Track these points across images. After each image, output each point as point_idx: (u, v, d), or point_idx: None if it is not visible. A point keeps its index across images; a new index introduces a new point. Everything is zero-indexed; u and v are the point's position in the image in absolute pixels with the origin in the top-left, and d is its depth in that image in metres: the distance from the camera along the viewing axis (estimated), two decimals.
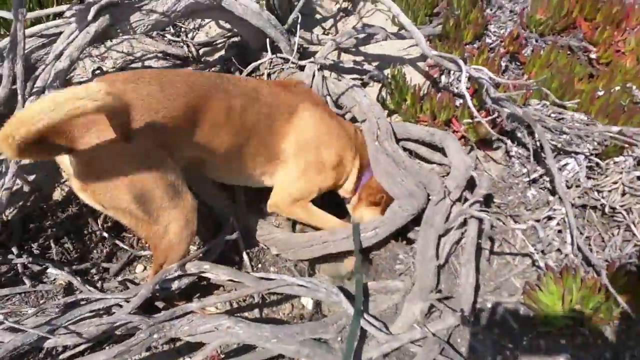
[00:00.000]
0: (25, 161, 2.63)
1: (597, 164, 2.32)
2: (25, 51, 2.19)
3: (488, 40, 2.82)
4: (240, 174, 2.47)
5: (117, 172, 1.83)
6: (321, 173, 2.52)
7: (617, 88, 2.52)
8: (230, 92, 2.23)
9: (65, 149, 1.75)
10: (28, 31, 2.21)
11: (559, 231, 2.24)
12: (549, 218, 2.24)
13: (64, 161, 1.87)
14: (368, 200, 2.62)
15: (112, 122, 1.68)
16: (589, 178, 2.31)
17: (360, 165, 2.63)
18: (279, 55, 2.72)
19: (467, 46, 2.77)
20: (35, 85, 2.31)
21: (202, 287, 2.45)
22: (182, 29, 3.17)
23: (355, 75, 2.77)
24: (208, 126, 2.12)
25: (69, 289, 2.42)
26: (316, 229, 2.63)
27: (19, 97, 2.17)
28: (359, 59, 3.01)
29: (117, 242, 2.62)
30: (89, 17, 2.26)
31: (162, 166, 1.93)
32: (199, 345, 2.05)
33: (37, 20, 2.57)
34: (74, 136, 1.75)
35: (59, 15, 2.41)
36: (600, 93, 2.50)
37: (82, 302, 2.13)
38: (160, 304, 2.33)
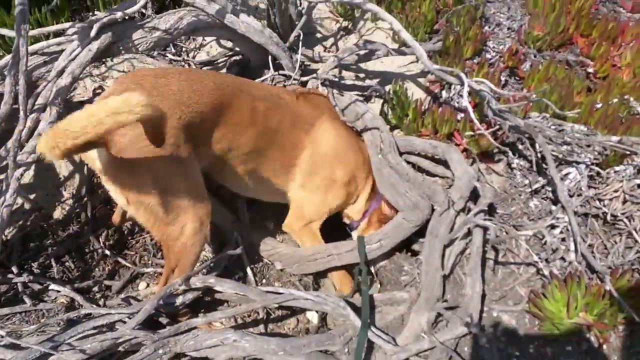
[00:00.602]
0: (26, 180, 2.63)
1: (598, 173, 2.35)
2: (27, 68, 2.21)
3: (487, 56, 2.88)
4: (257, 180, 2.45)
5: (146, 165, 1.86)
6: (332, 190, 2.54)
7: (615, 100, 2.57)
8: (255, 95, 2.28)
9: (100, 144, 1.75)
10: (29, 49, 2.23)
11: (563, 239, 2.25)
12: (552, 227, 2.26)
13: (90, 154, 1.86)
14: (378, 224, 2.62)
15: (147, 130, 1.70)
16: (590, 187, 2.34)
17: (372, 187, 2.65)
18: (280, 72, 2.75)
19: (467, 62, 2.83)
20: (36, 103, 2.31)
21: (207, 303, 2.43)
22: (183, 49, 3.22)
23: (356, 92, 2.80)
24: (233, 124, 2.16)
25: (70, 308, 2.38)
26: None
27: (21, 114, 2.16)
28: (360, 75, 3.05)
29: (120, 259, 2.60)
30: (92, 35, 2.29)
31: (189, 164, 1.97)
32: None
33: (37, 40, 2.58)
34: (109, 139, 1.78)
35: (61, 33, 2.44)
36: (599, 105, 2.55)
37: (85, 320, 2.10)
38: (164, 320, 2.31)
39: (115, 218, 2.49)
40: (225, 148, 2.19)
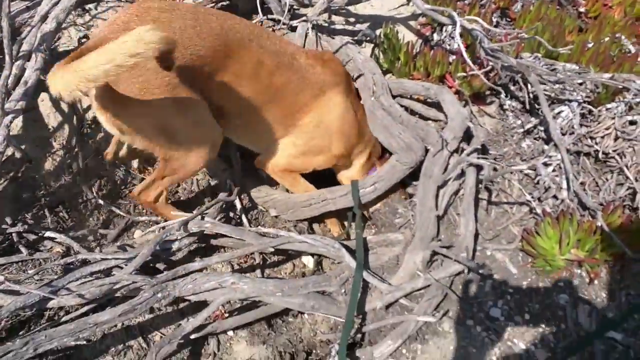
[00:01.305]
0: (14, 131, 2.59)
1: (590, 111, 2.36)
2: (10, 12, 2.14)
3: None
4: (251, 132, 2.41)
5: (142, 102, 1.81)
6: (322, 155, 2.50)
7: (607, 39, 2.56)
8: (266, 48, 2.16)
9: None
10: None
11: (555, 177, 2.27)
12: (545, 165, 2.28)
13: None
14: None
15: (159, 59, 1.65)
16: (582, 125, 2.35)
17: (369, 156, 2.63)
18: (269, 16, 2.69)
19: (458, 2, 2.78)
20: (21, 50, 2.26)
21: (203, 250, 2.45)
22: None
23: (347, 36, 2.75)
24: (232, 74, 2.06)
25: (66, 257, 2.38)
26: None
27: (7, 59, 2.12)
28: (350, 19, 2.99)
29: (114, 208, 2.59)
30: None
31: (187, 102, 1.92)
32: (202, 306, 2.05)
33: None
34: None
35: None
36: (590, 44, 2.54)
37: (82, 266, 2.11)
38: (161, 266, 2.33)
39: (109, 154, 2.45)
40: (225, 96, 2.11)
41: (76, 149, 2.64)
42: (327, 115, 2.40)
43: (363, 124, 2.54)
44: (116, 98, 1.79)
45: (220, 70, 2.02)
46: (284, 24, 2.67)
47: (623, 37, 2.60)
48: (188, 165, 2.08)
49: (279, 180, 2.61)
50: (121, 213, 2.58)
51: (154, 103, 1.83)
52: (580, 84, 2.37)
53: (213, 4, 3.02)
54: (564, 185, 2.24)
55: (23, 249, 2.37)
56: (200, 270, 2.12)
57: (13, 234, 2.38)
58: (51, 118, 2.65)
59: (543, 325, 2.01)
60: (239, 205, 2.55)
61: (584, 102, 2.36)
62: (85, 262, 2.16)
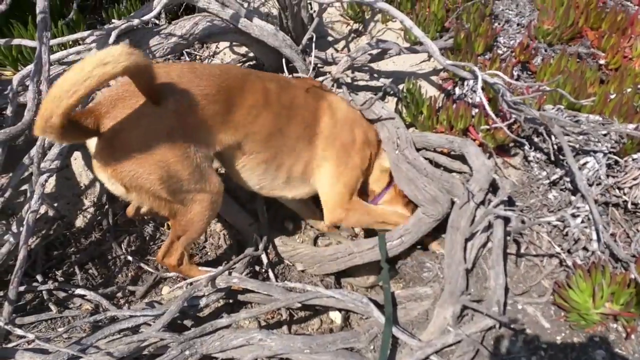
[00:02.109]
0: (48, 189, 2.67)
1: (616, 162, 2.34)
2: (50, 76, 2.26)
3: (499, 52, 2.90)
4: (278, 169, 2.32)
5: (144, 147, 1.81)
6: (354, 152, 2.48)
7: (629, 90, 2.57)
8: (264, 78, 2.25)
9: (93, 132, 1.77)
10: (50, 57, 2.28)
11: (584, 229, 2.24)
12: (574, 216, 2.25)
13: (91, 144, 1.87)
14: (401, 196, 2.57)
15: (137, 82, 1.70)
16: (609, 176, 2.33)
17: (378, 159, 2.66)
18: (295, 75, 2.78)
19: (479, 57, 2.85)
20: None
21: (230, 306, 2.45)
22: (197, 57, 3.26)
23: (370, 92, 2.83)
24: (247, 107, 2.10)
25: (95, 314, 2.40)
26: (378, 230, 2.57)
27: None
28: (373, 75, 3.08)
29: (142, 265, 2.63)
30: (110, 42, 2.32)
31: (188, 147, 1.90)
32: None
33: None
34: (100, 116, 1.76)
35: (80, 42, 2.48)
36: (612, 96, 2.55)
37: (110, 323, 2.12)
38: (189, 323, 2.33)
39: (130, 210, 2.46)
40: (242, 133, 2.11)
41: (106, 206, 2.71)
42: (338, 112, 2.47)
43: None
44: (116, 151, 1.80)
45: (233, 107, 2.05)
46: None
47: None
48: (194, 218, 2.06)
49: (356, 223, 2.56)
50: (149, 269, 2.62)
51: (154, 153, 1.82)
52: (605, 134, 2.37)
53: (240, 64, 3.15)
54: (594, 236, 2.20)
55: (53, 307, 2.41)
56: (228, 326, 2.11)
57: (43, 292, 2.43)
58: (83, 176, 2.74)
59: None
60: (265, 260, 2.56)
61: (610, 152, 2.35)
62: (113, 319, 2.18)
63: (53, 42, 2.40)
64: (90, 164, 2.76)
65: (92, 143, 1.86)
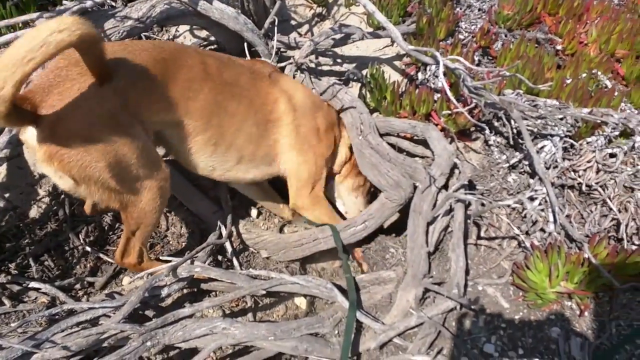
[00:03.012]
0: None
1: (572, 145, 2.41)
2: None
3: (460, 37, 2.92)
4: (234, 152, 2.27)
5: (88, 133, 1.71)
6: (319, 141, 2.46)
7: (584, 75, 2.64)
8: (202, 53, 2.17)
9: (30, 117, 1.63)
10: None
11: (541, 211, 2.30)
12: (531, 199, 2.30)
13: (28, 138, 1.71)
14: (355, 171, 2.63)
15: (87, 58, 1.59)
16: (565, 159, 2.40)
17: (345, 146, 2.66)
18: (257, 59, 2.74)
19: (441, 43, 2.87)
20: None
21: (192, 295, 2.41)
22: (156, 40, 3.17)
23: (334, 77, 2.81)
24: (185, 80, 2.00)
25: (52, 307, 2.33)
26: None
27: None
28: (336, 60, 3.06)
29: (101, 255, 2.56)
30: None
31: (132, 130, 1.82)
32: (193, 354, 2.00)
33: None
34: (36, 103, 1.64)
35: (30, 23, 2.37)
36: (569, 80, 2.61)
37: (67, 316, 2.05)
38: (150, 313, 2.28)
39: (87, 207, 2.36)
40: (182, 110, 2.02)
41: (62, 196, 2.62)
42: (295, 98, 2.42)
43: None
44: (60, 141, 1.68)
45: (168, 82, 1.95)
46: None
47: (599, 72, 2.68)
48: (146, 208, 1.99)
49: (312, 217, 2.56)
50: (109, 260, 2.55)
51: (100, 138, 1.74)
52: (561, 119, 2.43)
53: (201, 48, 3.07)
54: (551, 218, 2.26)
55: (6, 301, 2.32)
56: (191, 316, 2.07)
57: None
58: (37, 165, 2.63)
59: None
60: (229, 248, 2.52)
61: (566, 136, 2.41)
62: (71, 312, 2.11)
63: (1, 23, 2.29)
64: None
65: (28, 136, 1.70)
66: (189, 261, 2.22)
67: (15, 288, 2.38)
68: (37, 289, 2.35)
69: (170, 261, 2.19)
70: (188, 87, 2.01)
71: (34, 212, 2.62)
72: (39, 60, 1.39)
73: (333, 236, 2.39)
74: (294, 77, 2.65)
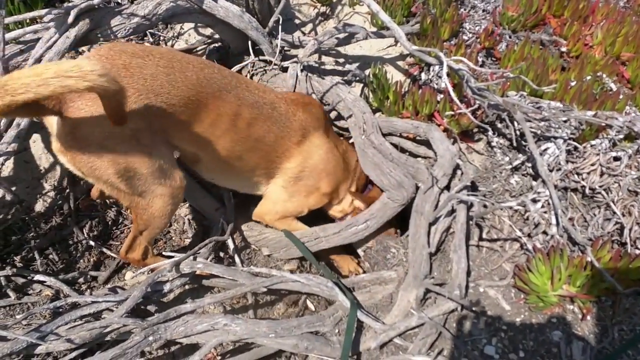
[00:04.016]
0: (5, 172, 2.58)
1: (576, 148, 2.40)
2: (4, 56, 2.17)
3: (464, 37, 2.92)
4: (235, 179, 2.43)
5: (102, 147, 1.76)
6: (313, 196, 2.52)
7: (589, 77, 2.64)
8: (243, 100, 2.13)
9: (54, 111, 1.68)
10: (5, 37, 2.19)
11: (544, 213, 2.30)
12: (534, 201, 2.30)
13: (50, 121, 1.80)
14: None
15: (104, 102, 1.60)
16: (568, 161, 2.39)
17: (356, 192, 2.66)
18: (261, 57, 2.75)
19: (445, 43, 2.87)
20: None
21: (195, 292, 2.43)
22: (161, 37, 3.18)
23: (337, 76, 2.81)
24: (209, 126, 2.03)
25: (56, 300, 2.35)
26: None
27: None
28: (339, 60, 3.07)
29: (105, 250, 2.58)
30: (69, 21, 2.23)
31: (152, 150, 1.87)
32: (194, 349, 2.02)
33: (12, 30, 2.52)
34: (64, 100, 1.68)
35: (37, 21, 2.39)
36: (573, 83, 2.61)
37: (71, 309, 2.07)
38: (152, 308, 2.30)
39: (94, 193, 2.41)
40: (200, 147, 2.10)
41: (67, 190, 2.64)
42: (311, 159, 2.42)
43: (347, 157, 2.58)
44: (77, 141, 1.75)
45: (194, 121, 1.99)
46: (275, 64, 2.73)
47: (604, 75, 2.67)
48: (156, 214, 2.03)
49: (277, 229, 2.60)
50: (112, 254, 2.57)
51: (115, 151, 1.79)
52: (565, 121, 2.42)
53: (205, 46, 3.08)
54: (553, 220, 2.25)
55: (11, 293, 2.34)
56: (192, 312, 2.10)
57: (1, 278, 2.36)
58: (43, 159, 2.66)
59: None
60: (231, 245, 2.54)
61: (569, 139, 2.40)
62: (75, 306, 2.14)
63: (9, 20, 2.30)
64: (49, 148, 2.68)
65: (52, 122, 1.78)
66: (191, 257, 2.24)
67: (20, 281, 2.41)
68: (41, 282, 2.38)
69: (172, 257, 2.21)
70: (211, 132, 2.06)
71: (39, 206, 2.65)
72: (32, 96, 1.40)
73: (294, 242, 2.44)
74: (297, 76, 2.64)
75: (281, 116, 2.30)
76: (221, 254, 2.55)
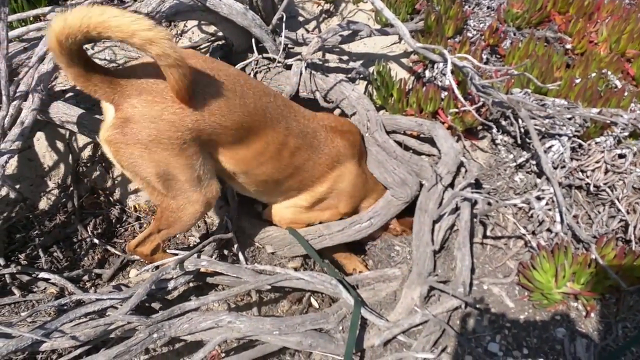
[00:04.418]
0: (10, 170, 2.59)
1: (580, 145, 2.40)
2: (8, 53, 2.17)
3: (469, 35, 2.91)
4: (265, 197, 2.51)
5: (148, 148, 1.81)
6: (329, 212, 2.56)
7: (594, 74, 2.63)
8: (291, 130, 2.21)
9: (110, 99, 1.76)
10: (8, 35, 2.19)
11: (548, 211, 2.29)
12: (538, 198, 2.30)
13: (106, 107, 1.86)
14: None
15: (167, 73, 1.67)
16: (573, 159, 2.39)
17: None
18: (264, 55, 2.74)
19: (449, 40, 2.86)
20: (18, 90, 2.27)
21: (198, 289, 2.43)
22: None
23: (341, 74, 2.81)
24: (255, 152, 2.10)
25: (60, 298, 2.36)
26: None
27: (3, 99, 2.14)
28: (343, 57, 3.06)
29: (109, 248, 2.59)
30: None
31: (195, 161, 1.92)
32: (199, 347, 2.02)
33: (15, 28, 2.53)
34: (122, 94, 1.75)
35: (42, 17, 2.39)
36: (578, 80, 2.60)
37: (76, 307, 2.08)
38: (157, 306, 2.31)
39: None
40: (236, 169, 2.14)
41: (71, 188, 2.65)
42: (341, 183, 2.46)
43: (370, 179, 2.58)
44: (124, 136, 1.79)
45: (242, 145, 2.05)
46: (278, 62, 2.72)
47: (609, 72, 2.66)
48: (183, 218, 2.05)
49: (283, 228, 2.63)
50: (116, 252, 2.58)
51: (159, 154, 1.83)
52: (570, 118, 2.41)
53: (209, 44, 3.08)
54: (558, 218, 2.25)
55: (16, 291, 2.35)
56: (196, 309, 2.10)
57: (6, 275, 2.37)
58: (47, 157, 2.66)
59: None
60: (235, 243, 2.54)
61: (574, 136, 2.40)
62: (79, 303, 2.14)
63: (12, 17, 2.31)
64: (53, 146, 2.69)
65: (107, 109, 1.84)
66: (195, 255, 2.24)
67: (25, 278, 2.42)
68: (46, 280, 2.39)
69: (177, 255, 2.21)
70: (256, 158, 2.13)
71: (43, 204, 2.66)
72: (104, 36, 1.53)
73: (298, 240, 2.45)
74: (300, 73, 2.64)
75: (320, 144, 2.36)
76: (225, 252, 2.55)
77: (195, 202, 2.01)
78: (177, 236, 2.71)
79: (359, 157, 2.50)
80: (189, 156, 1.88)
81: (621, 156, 2.35)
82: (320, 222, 2.59)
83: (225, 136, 1.96)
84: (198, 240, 2.70)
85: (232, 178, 2.21)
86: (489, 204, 2.29)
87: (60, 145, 2.70)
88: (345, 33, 2.70)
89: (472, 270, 2.21)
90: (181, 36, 3.18)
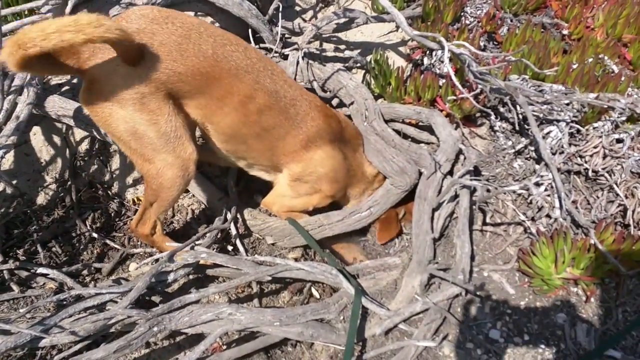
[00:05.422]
0: (6, 166, 2.58)
1: (578, 130, 2.40)
2: (2, 47, 2.14)
3: (466, 22, 2.90)
4: (241, 161, 2.41)
5: (114, 102, 1.86)
6: (317, 195, 2.52)
7: (590, 60, 2.62)
8: (262, 85, 2.10)
9: (74, 69, 1.81)
10: (2, 28, 2.17)
11: (547, 196, 2.29)
12: (537, 184, 2.30)
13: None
14: None
15: (113, 48, 1.73)
16: (571, 144, 2.39)
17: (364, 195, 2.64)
18: (261, 45, 2.73)
19: (449, 27, 2.84)
20: (13, 84, 2.26)
21: (198, 281, 2.43)
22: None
23: (338, 63, 2.79)
24: (217, 100, 2.03)
25: (59, 293, 2.35)
26: None
27: None
28: (340, 47, 3.05)
29: (108, 241, 2.58)
30: (67, 12, 2.23)
31: (159, 116, 1.92)
32: (200, 339, 2.02)
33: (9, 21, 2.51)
34: (83, 57, 1.80)
35: (36, 10, 2.36)
36: (575, 66, 2.59)
37: (75, 302, 2.07)
38: (157, 299, 2.30)
39: None
40: (202, 120, 2.10)
41: (69, 183, 2.64)
42: (319, 168, 2.39)
43: (363, 169, 2.55)
44: (92, 97, 1.87)
45: (203, 92, 2.00)
46: (275, 52, 2.70)
47: (606, 57, 2.66)
48: (165, 184, 2.06)
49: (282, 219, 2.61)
50: (116, 246, 2.57)
51: (123, 109, 1.88)
52: (567, 104, 2.41)
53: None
54: (557, 204, 2.25)
55: (14, 287, 2.34)
56: (197, 301, 2.09)
57: (4, 271, 2.35)
58: (43, 152, 2.65)
59: (542, 346, 2.00)
60: (235, 234, 2.53)
61: (572, 121, 2.40)
62: (79, 298, 2.13)
63: (6, 11, 2.30)
64: (50, 140, 2.67)
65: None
66: (196, 247, 2.23)
67: (24, 274, 2.40)
68: (45, 275, 2.37)
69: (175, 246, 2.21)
70: (219, 106, 2.06)
71: (41, 199, 2.64)
72: (37, 50, 1.53)
73: (298, 230, 2.43)
74: (297, 63, 2.62)
75: (298, 116, 2.26)
76: (225, 244, 2.55)
77: (172, 165, 2.02)
78: (177, 228, 2.70)
79: (340, 144, 2.44)
80: (152, 111, 1.90)
81: (619, 141, 2.35)
82: (315, 208, 2.55)
83: (183, 84, 1.93)
84: (192, 232, 2.69)
85: (204, 131, 2.19)
86: (488, 190, 2.29)
87: (57, 139, 2.68)
88: (341, 21, 2.69)
89: (472, 258, 2.21)
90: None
